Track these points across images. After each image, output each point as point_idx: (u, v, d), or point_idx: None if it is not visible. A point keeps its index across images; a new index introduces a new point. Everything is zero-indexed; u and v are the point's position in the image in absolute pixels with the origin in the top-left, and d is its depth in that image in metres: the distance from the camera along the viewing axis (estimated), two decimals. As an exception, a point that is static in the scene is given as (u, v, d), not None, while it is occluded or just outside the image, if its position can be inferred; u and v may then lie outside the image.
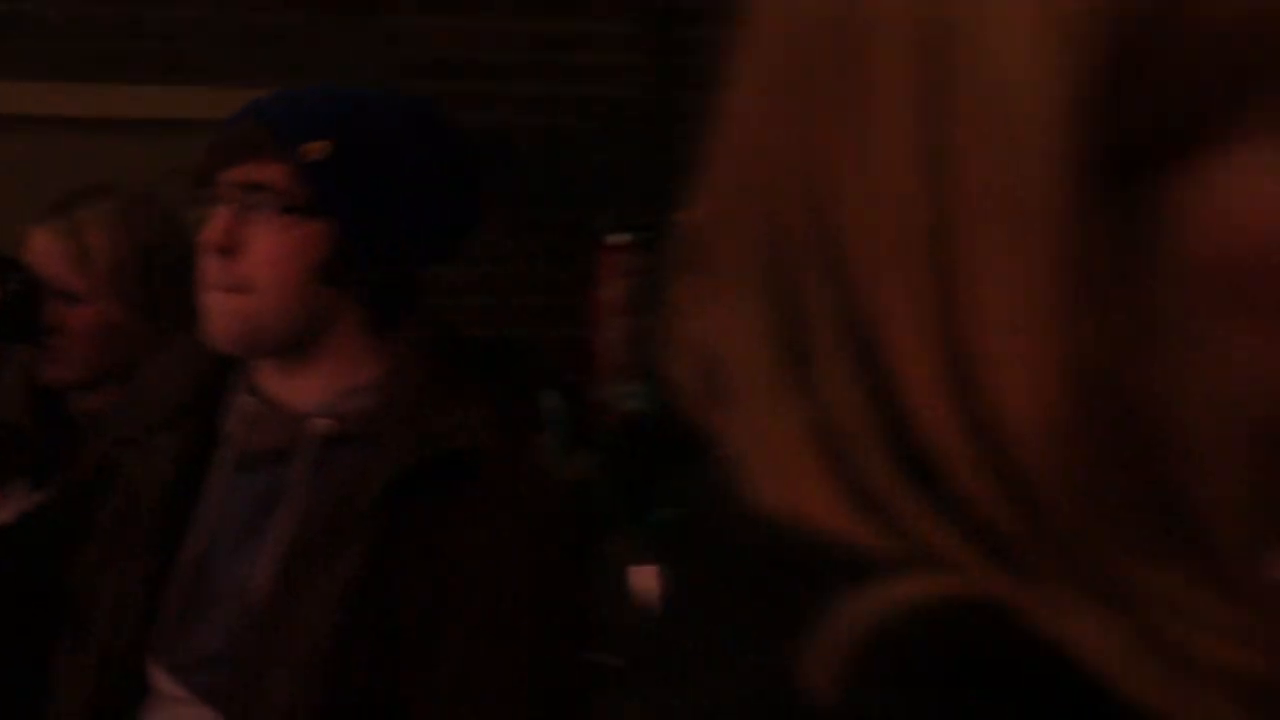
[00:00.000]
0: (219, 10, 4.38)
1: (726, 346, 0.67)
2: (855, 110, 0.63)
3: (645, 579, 2.84)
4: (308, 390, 1.82)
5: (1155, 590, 0.59)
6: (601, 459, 3.77)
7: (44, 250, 2.46)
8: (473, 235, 1.88)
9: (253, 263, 1.77)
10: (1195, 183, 0.61)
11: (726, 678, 0.61)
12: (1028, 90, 0.60)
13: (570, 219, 4.34)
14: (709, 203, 0.70)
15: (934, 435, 0.61)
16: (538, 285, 4.52)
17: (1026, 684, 0.57)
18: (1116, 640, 0.58)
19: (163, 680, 1.81)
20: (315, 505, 1.76)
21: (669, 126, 4.20)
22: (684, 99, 4.28)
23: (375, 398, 1.80)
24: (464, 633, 1.69)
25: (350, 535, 1.70)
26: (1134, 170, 0.61)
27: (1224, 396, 0.61)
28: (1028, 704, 0.57)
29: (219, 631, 1.78)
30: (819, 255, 0.64)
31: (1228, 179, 0.61)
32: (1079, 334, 0.60)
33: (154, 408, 1.92)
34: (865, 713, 0.56)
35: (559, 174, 4.39)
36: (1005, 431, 0.60)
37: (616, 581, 2.81)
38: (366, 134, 1.78)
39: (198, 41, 4.36)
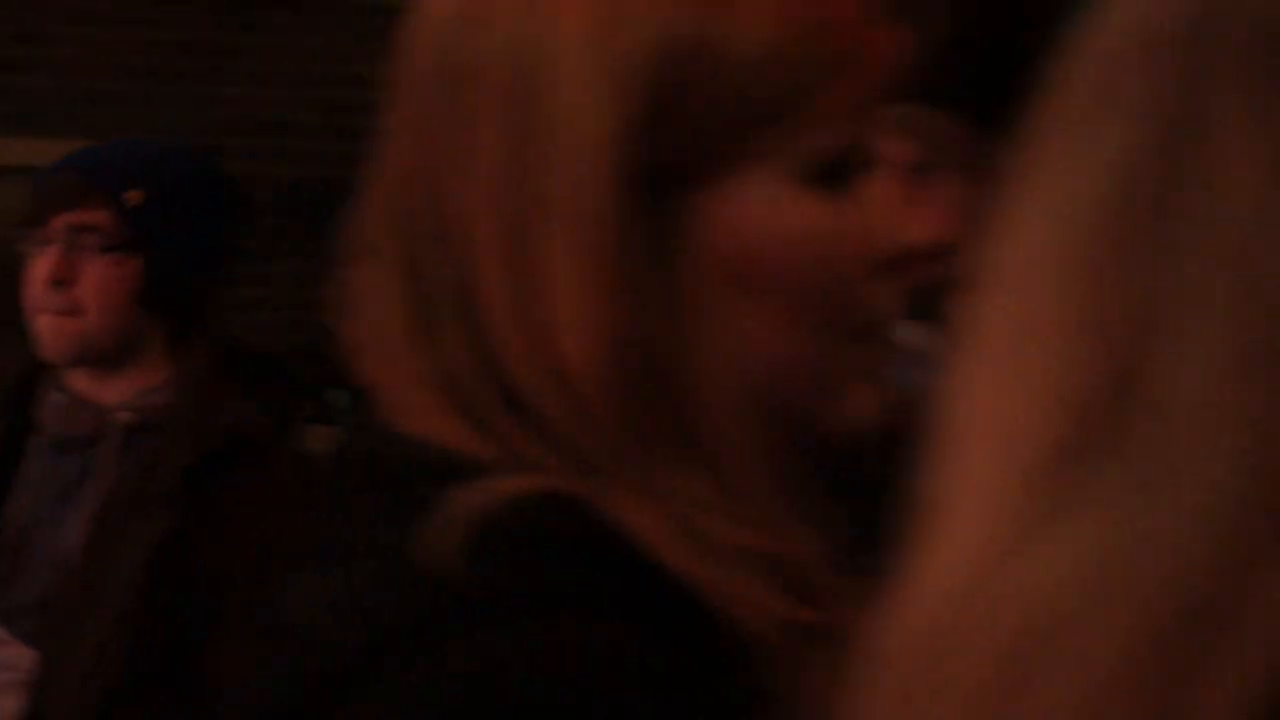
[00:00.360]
0: (68, 76, 4.36)
1: (376, 314, 0.74)
2: (463, 136, 0.70)
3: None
4: (114, 390, 1.84)
5: (685, 492, 0.67)
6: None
7: None
8: (237, 257, 1.94)
9: (83, 292, 1.80)
10: (715, 197, 0.69)
11: (367, 559, 0.67)
12: (583, 119, 0.67)
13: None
14: (370, 206, 0.76)
15: (522, 378, 0.68)
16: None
17: (598, 554, 0.65)
18: (661, 525, 0.66)
19: (-11, 626, 1.82)
20: (120, 482, 1.79)
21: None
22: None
23: (169, 395, 1.83)
24: (241, 593, 1.72)
25: (149, 507, 1.74)
26: (672, 184, 0.69)
27: (730, 358, 0.69)
28: (599, 569, 0.65)
29: (38, 585, 1.79)
30: (440, 245, 0.71)
31: (736, 195, 0.69)
32: (621, 308, 0.67)
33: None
34: (473, 577, 0.63)
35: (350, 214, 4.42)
36: (570, 376, 0.67)
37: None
38: (168, 182, 1.84)
39: (50, 101, 4.33)
